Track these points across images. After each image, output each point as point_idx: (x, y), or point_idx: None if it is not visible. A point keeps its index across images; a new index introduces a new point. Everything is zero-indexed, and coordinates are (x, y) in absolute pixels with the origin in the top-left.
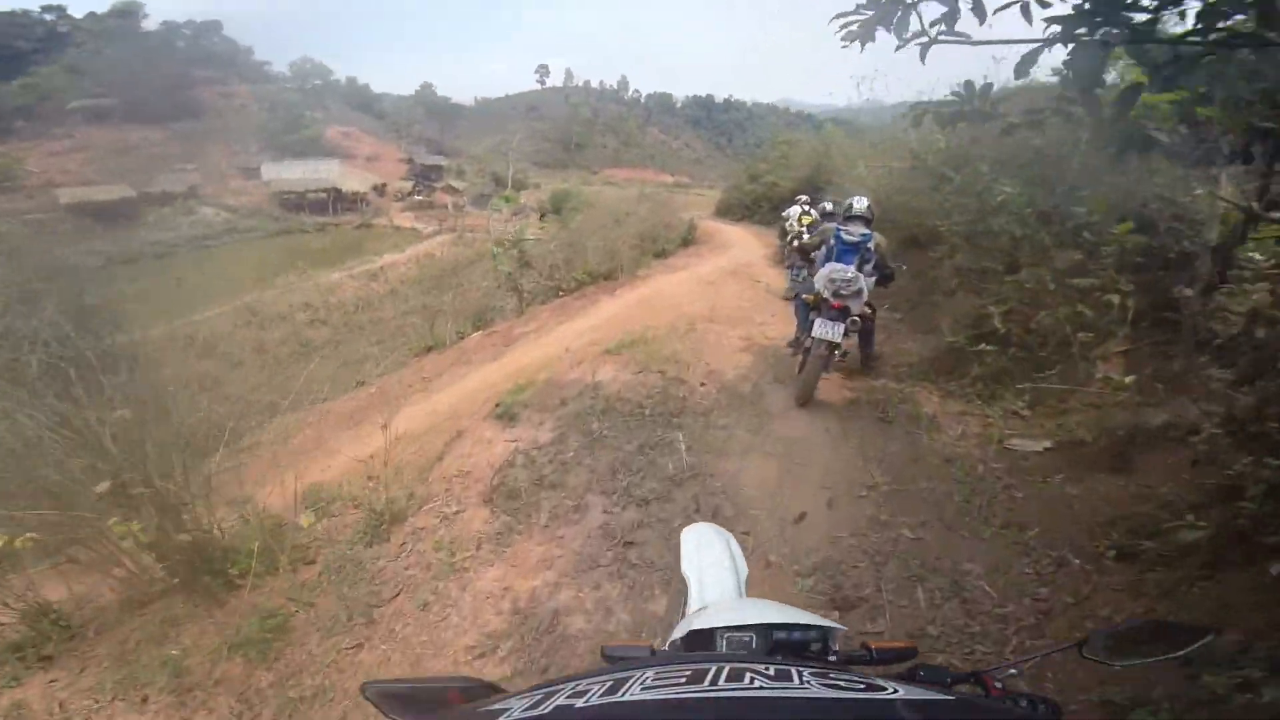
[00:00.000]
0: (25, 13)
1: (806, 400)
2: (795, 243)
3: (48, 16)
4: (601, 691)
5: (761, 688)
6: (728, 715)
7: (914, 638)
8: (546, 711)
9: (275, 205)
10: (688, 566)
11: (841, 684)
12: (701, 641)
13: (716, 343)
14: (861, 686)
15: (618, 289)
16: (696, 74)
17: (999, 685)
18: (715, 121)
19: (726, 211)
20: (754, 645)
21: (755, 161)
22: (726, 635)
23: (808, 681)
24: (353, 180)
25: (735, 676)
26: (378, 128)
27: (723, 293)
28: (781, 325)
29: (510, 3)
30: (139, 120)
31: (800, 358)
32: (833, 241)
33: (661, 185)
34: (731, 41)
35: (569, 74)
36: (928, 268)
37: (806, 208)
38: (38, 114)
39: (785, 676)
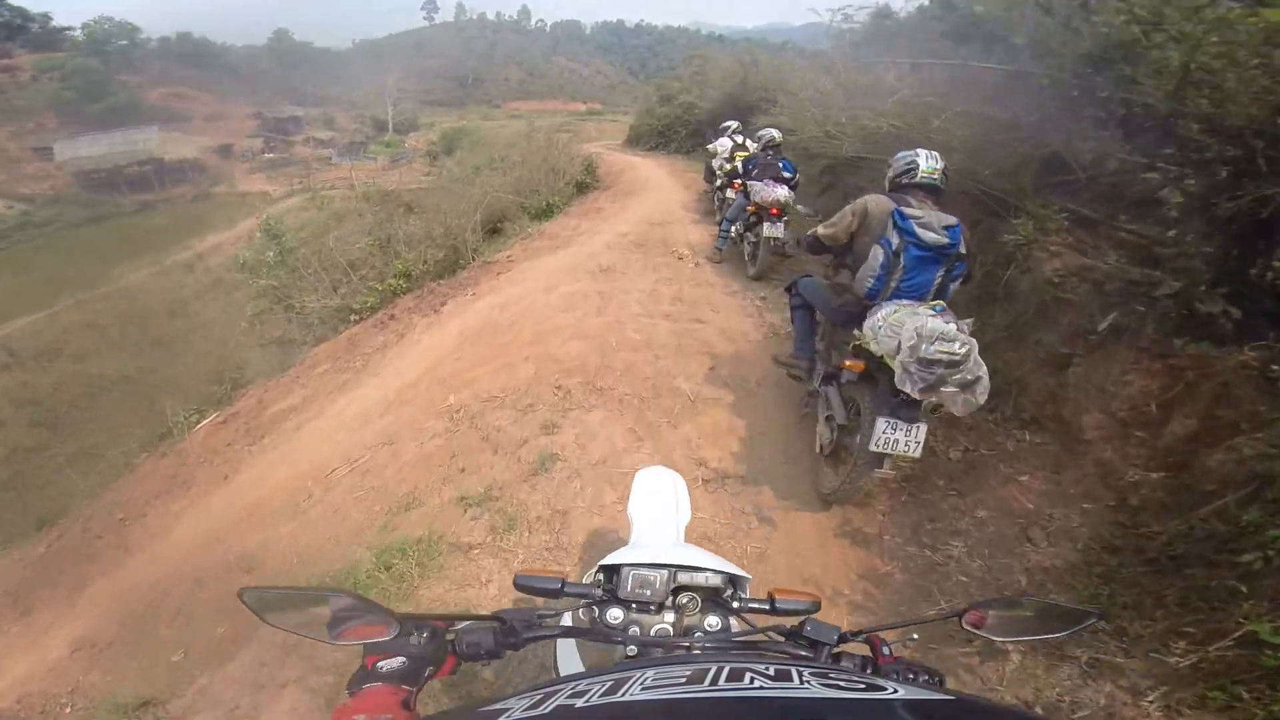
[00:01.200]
0: None
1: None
2: (725, 190)
3: None
4: (602, 691)
5: (761, 688)
6: (728, 715)
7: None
8: (546, 711)
9: (82, 187)
10: (633, 507)
11: (841, 684)
12: (609, 575)
13: (595, 504)
14: (862, 686)
15: (447, 302)
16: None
17: (887, 651)
18: (626, 47)
19: (637, 141)
20: (657, 584)
21: (668, 80)
22: (634, 572)
23: (808, 681)
24: (178, 146)
25: (735, 676)
26: (225, 84)
27: (627, 291)
28: (737, 356)
29: None
30: None
31: (815, 411)
32: (894, 239)
33: (572, 115)
34: None
35: (460, 7)
36: (994, 264)
37: (739, 138)
38: None
39: (785, 676)
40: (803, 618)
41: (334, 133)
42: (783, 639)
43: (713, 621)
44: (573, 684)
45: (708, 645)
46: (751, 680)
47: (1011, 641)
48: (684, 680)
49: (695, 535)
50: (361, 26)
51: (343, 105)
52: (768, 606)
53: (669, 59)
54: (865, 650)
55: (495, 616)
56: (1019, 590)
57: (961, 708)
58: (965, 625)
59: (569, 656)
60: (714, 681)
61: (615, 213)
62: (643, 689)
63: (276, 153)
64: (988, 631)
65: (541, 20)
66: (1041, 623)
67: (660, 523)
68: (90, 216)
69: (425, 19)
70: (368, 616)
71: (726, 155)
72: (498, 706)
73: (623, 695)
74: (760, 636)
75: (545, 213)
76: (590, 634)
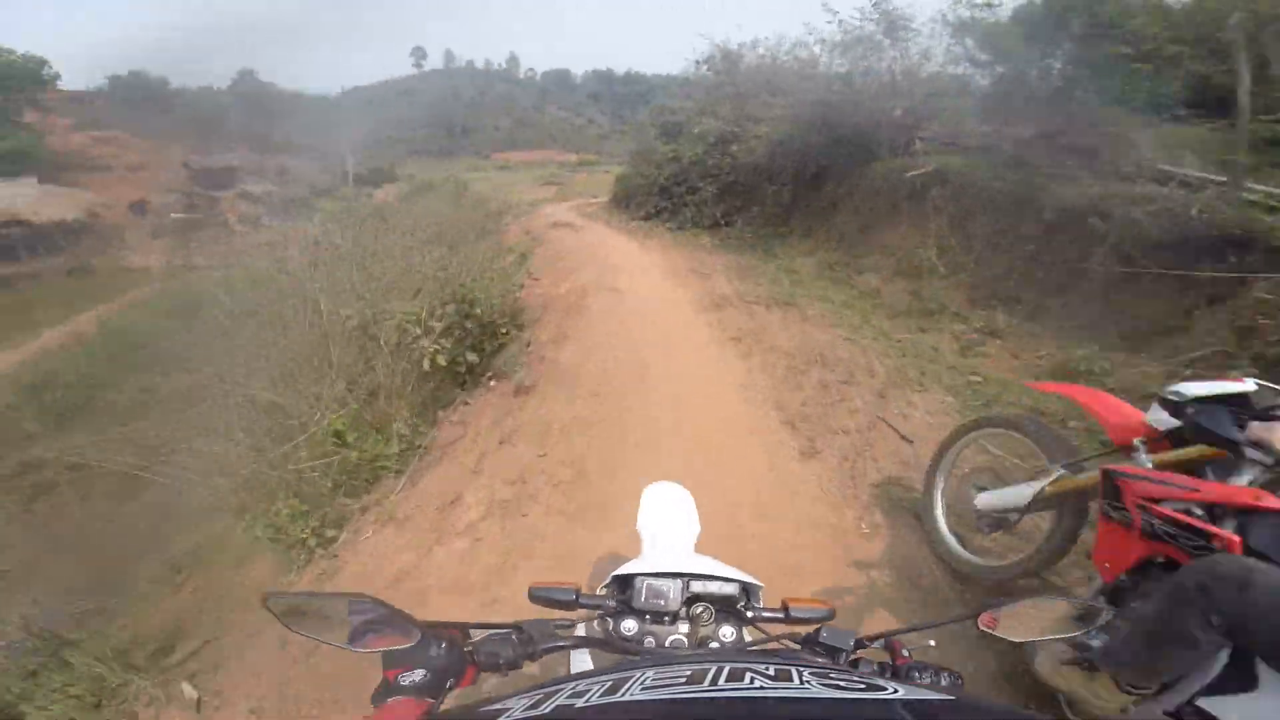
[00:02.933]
0: None
1: None
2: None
3: None
4: (601, 691)
5: (762, 688)
6: (727, 715)
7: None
8: (546, 711)
9: None
10: (643, 523)
11: (841, 684)
12: (623, 586)
13: None
14: (862, 686)
15: None
16: (594, 49)
17: (906, 654)
18: (617, 95)
19: (626, 201)
20: (670, 595)
21: (668, 106)
22: (648, 582)
23: (808, 681)
24: (55, 204)
25: (735, 676)
26: (175, 128)
27: None
28: None
29: None
30: None
31: None
32: None
33: (562, 166)
34: (627, 11)
35: (449, 54)
36: None
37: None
38: None
39: (785, 676)
40: (817, 625)
41: (273, 187)
42: (798, 647)
43: (727, 631)
44: (573, 684)
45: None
46: (751, 680)
47: (1028, 641)
48: (684, 680)
49: None
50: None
51: (309, 154)
52: (782, 615)
53: (660, 107)
54: (884, 656)
55: (513, 626)
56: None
57: (961, 707)
58: (981, 627)
59: (583, 668)
60: (714, 681)
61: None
62: (643, 689)
63: (198, 210)
64: (1003, 632)
65: (531, 69)
66: (1056, 621)
67: (671, 536)
68: None
69: (414, 66)
70: (390, 625)
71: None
72: (497, 706)
73: (623, 695)
74: (775, 645)
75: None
76: (605, 645)
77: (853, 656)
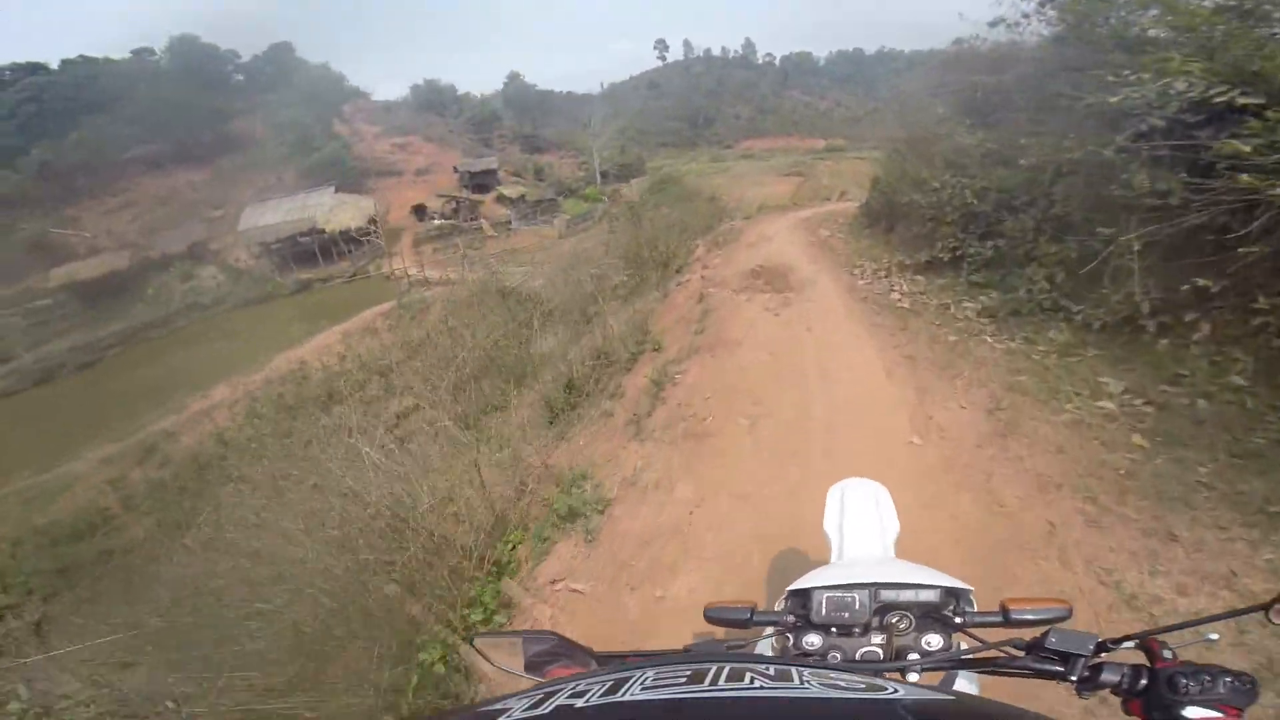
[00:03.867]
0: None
1: None
2: None
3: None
4: (602, 691)
5: (762, 688)
6: (727, 715)
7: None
8: (546, 711)
9: (263, 259)
10: (830, 524)
11: (841, 684)
12: (801, 601)
13: None
14: (862, 686)
15: None
16: (835, 29)
17: (1168, 655)
18: (867, 76)
19: (886, 219)
20: (856, 606)
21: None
22: (827, 595)
23: (808, 681)
24: (344, 213)
25: (735, 676)
26: (454, 132)
27: None
28: None
29: None
30: (189, 162)
31: None
32: None
33: (809, 152)
34: None
35: (687, 45)
36: None
37: None
38: (95, 168)
39: (785, 676)
40: (1046, 628)
41: (525, 187)
42: (1022, 654)
43: (931, 640)
44: (573, 684)
45: (927, 668)
46: (751, 680)
47: None
48: (684, 680)
49: None
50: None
51: (567, 151)
52: (1000, 619)
53: (924, 83)
54: (1138, 658)
55: (682, 651)
56: None
57: (961, 707)
58: (1274, 620)
59: None
60: (714, 681)
61: None
62: (643, 689)
63: (459, 216)
64: None
65: (770, 54)
66: None
67: (862, 539)
68: (259, 295)
69: (659, 58)
70: (570, 656)
71: None
72: (498, 706)
73: (623, 695)
74: (993, 653)
75: None
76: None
77: (1094, 662)
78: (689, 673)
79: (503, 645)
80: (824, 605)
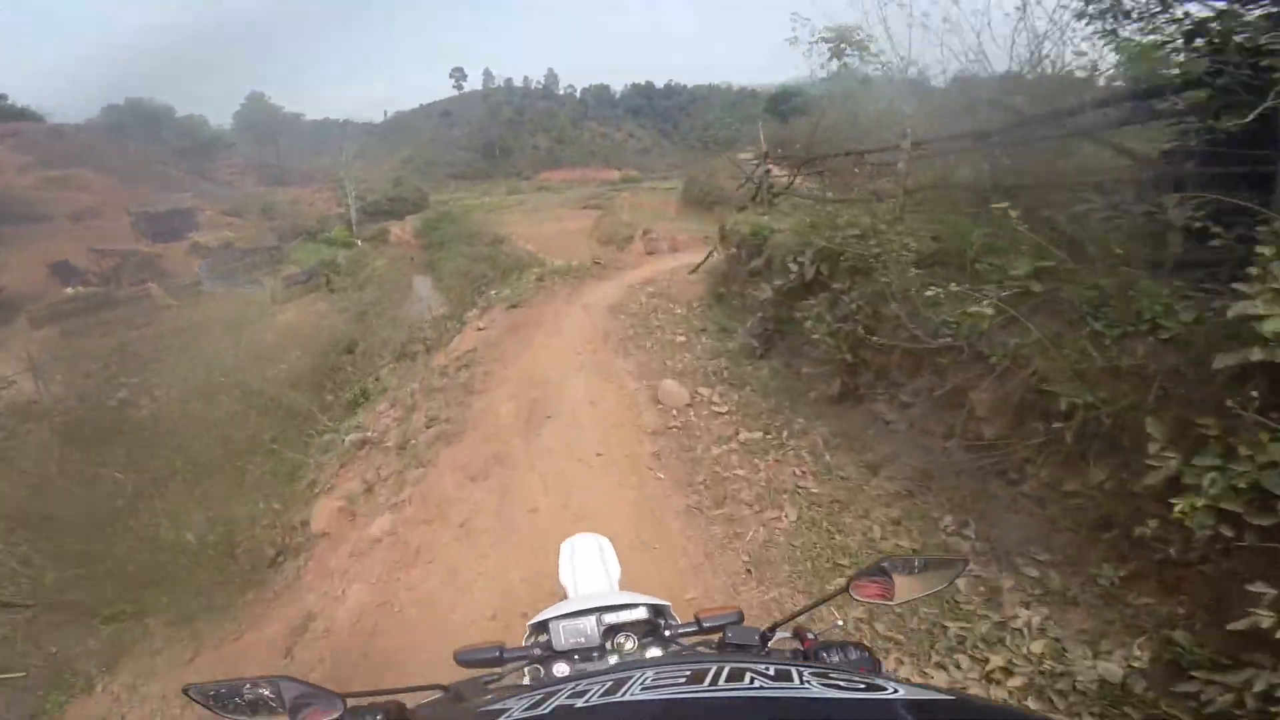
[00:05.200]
0: None
1: None
2: None
3: None
4: (602, 691)
5: (761, 688)
6: (728, 715)
7: None
8: (546, 711)
9: None
10: (564, 574)
11: (841, 684)
12: (541, 633)
13: None
14: (861, 686)
15: None
16: (633, 63)
17: (812, 636)
18: (657, 109)
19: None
20: (588, 630)
21: None
22: (562, 624)
23: (808, 681)
24: None
25: (735, 676)
26: (160, 162)
27: None
28: None
29: (425, 13)
30: None
31: None
32: None
33: (605, 184)
34: (662, 25)
35: (488, 74)
36: None
37: None
38: None
39: (785, 676)
40: (723, 629)
41: (237, 232)
42: (714, 652)
43: (654, 653)
44: (573, 684)
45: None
46: (751, 680)
47: (901, 603)
48: (684, 680)
49: None
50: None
51: (329, 184)
52: (695, 627)
53: (702, 119)
54: (794, 643)
55: (441, 687)
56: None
57: (961, 707)
58: (855, 597)
59: None
60: (714, 681)
61: None
62: (643, 689)
63: (120, 279)
64: (876, 598)
65: (571, 85)
66: (922, 579)
67: (591, 582)
68: None
69: (455, 87)
70: (316, 701)
71: None
72: (498, 707)
73: (623, 695)
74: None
75: None
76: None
77: (764, 650)
78: (689, 672)
79: (240, 692)
80: (562, 634)
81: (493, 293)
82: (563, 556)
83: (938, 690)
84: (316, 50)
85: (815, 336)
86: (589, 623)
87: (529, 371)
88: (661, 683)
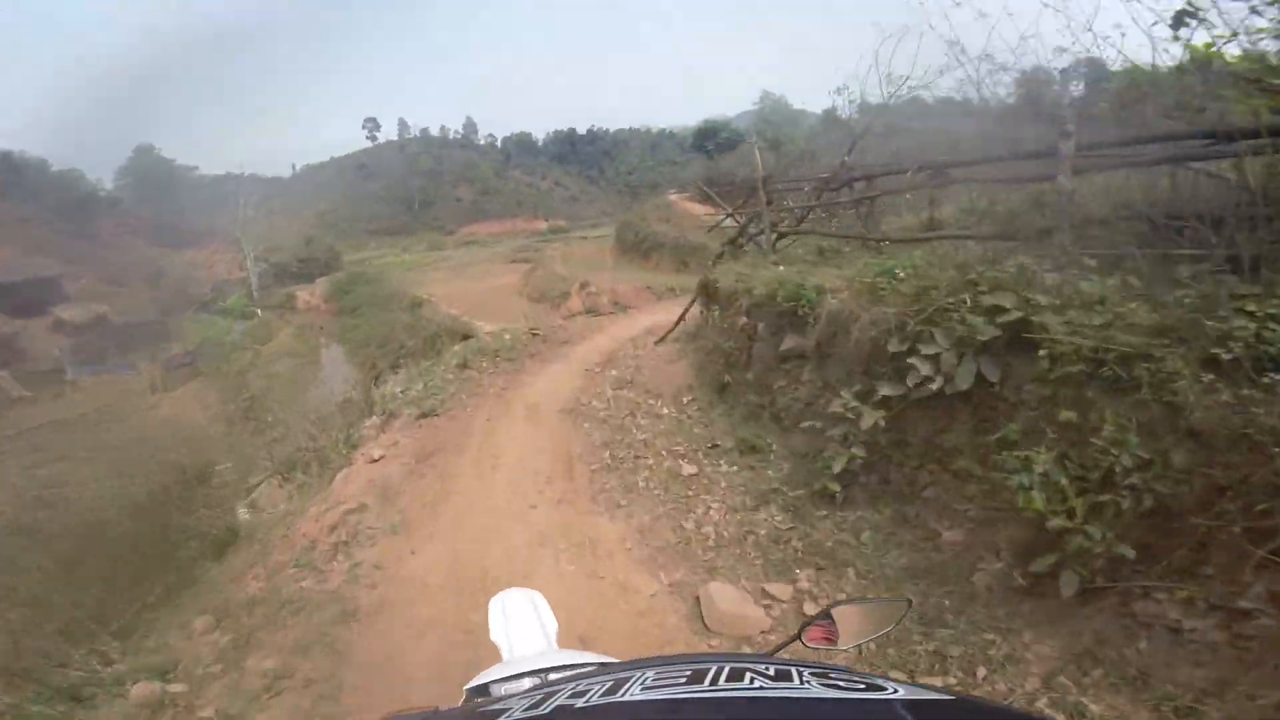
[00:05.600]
0: None
1: None
2: None
3: None
4: (602, 691)
5: (762, 688)
6: (728, 715)
7: None
8: (546, 711)
9: None
10: (496, 633)
11: (841, 684)
12: (479, 696)
13: None
14: (862, 686)
15: None
16: (552, 107)
17: None
18: (582, 155)
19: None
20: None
21: None
22: (504, 686)
23: (808, 681)
24: None
25: (735, 676)
26: (27, 221)
27: None
28: None
29: (334, 60)
30: None
31: None
32: None
33: (534, 235)
34: (581, 71)
35: (403, 124)
36: None
37: None
38: None
39: (785, 676)
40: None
41: (111, 307)
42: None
43: None
44: (573, 684)
45: None
46: (751, 680)
47: (849, 647)
48: (684, 680)
49: None
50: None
51: (219, 241)
52: None
53: (626, 163)
54: None
55: None
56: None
57: (962, 707)
58: (806, 643)
59: None
60: (714, 681)
61: None
62: (643, 689)
63: None
64: (827, 644)
65: (491, 134)
66: (867, 623)
67: (527, 639)
68: None
69: (369, 138)
70: None
71: None
72: (498, 707)
73: (623, 695)
74: None
75: None
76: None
77: None
78: (689, 672)
79: None
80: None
81: (398, 391)
82: (493, 614)
83: (938, 690)
84: (215, 98)
85: (1018, 496)
86: (533, 683)
87: (454, 557)
88: (661, 683)
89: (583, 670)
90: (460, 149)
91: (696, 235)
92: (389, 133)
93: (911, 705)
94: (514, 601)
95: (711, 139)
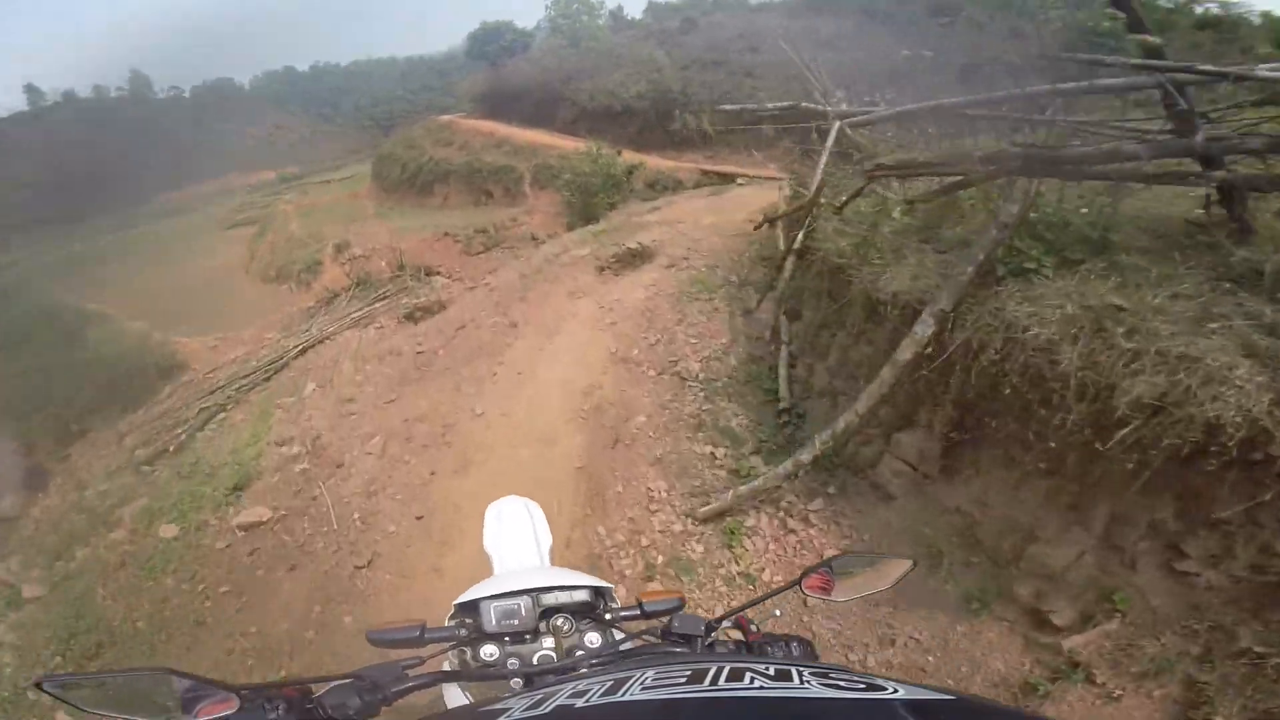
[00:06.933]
0: None
1: None
2: None
3: None
4: (602, 691)
5: (762, 688)
6: (727, 715)
7: None
8: (547, 711)
9: None
10: (489, 542)
11: (841, 684)
12: (468, 613)
13: None
14: (862, 686)
15: None
16: (261, 52)
17: (755, 629)
18: (306, 95)
19: None
20: (523, 612)
21: None
22: (495, 605)
23: (808, 681)
24: None
25: (735, 676)
26: None
27: None
28: None
29: None
30: None
31: None
32: None
33: (261, 188)
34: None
35: (32, 89)
36: None
37: None
38: None
39: (785, 676)
40: (670, 615)
41: None
42: (659, 641)
43: (593, 638)
44: (573, 684)
45: (593, 663)
46: (751, 680)
47: (845, 599)
48: (684, 680)
49: None
50: None
51: None
52: (638, 611)
53: (370, 95)
54: (737, 635)
55: (354, 675)
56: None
57: (962, 707)
58: (804, 591)
59: (457, 702)
60: (714, 681)
61: None
62: (643, 689)
63: None
64: (823, 594)
65: (176, 87)
66: (869, 578)
67: (520, 552)
68: None
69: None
70: (209, 695)
71: None
72: (498, 707)
73: (623, 695)
74: (639, 642)
75: None
76: (468, 676)
77: (708, 641)
78: (689, 673)
79: (113, 686)
80: (494, 615)
81: None
82: (488, 521)
83: (938, 690)
84: None
85: None
86: (524, 603)
87: None
88: (662, 683)
89: (582, 672)
90: (132, 107)
91: (495, 156)
92: (13, 104)
93: (911, 705)
94: (510, 511)
95: (494, 41)
